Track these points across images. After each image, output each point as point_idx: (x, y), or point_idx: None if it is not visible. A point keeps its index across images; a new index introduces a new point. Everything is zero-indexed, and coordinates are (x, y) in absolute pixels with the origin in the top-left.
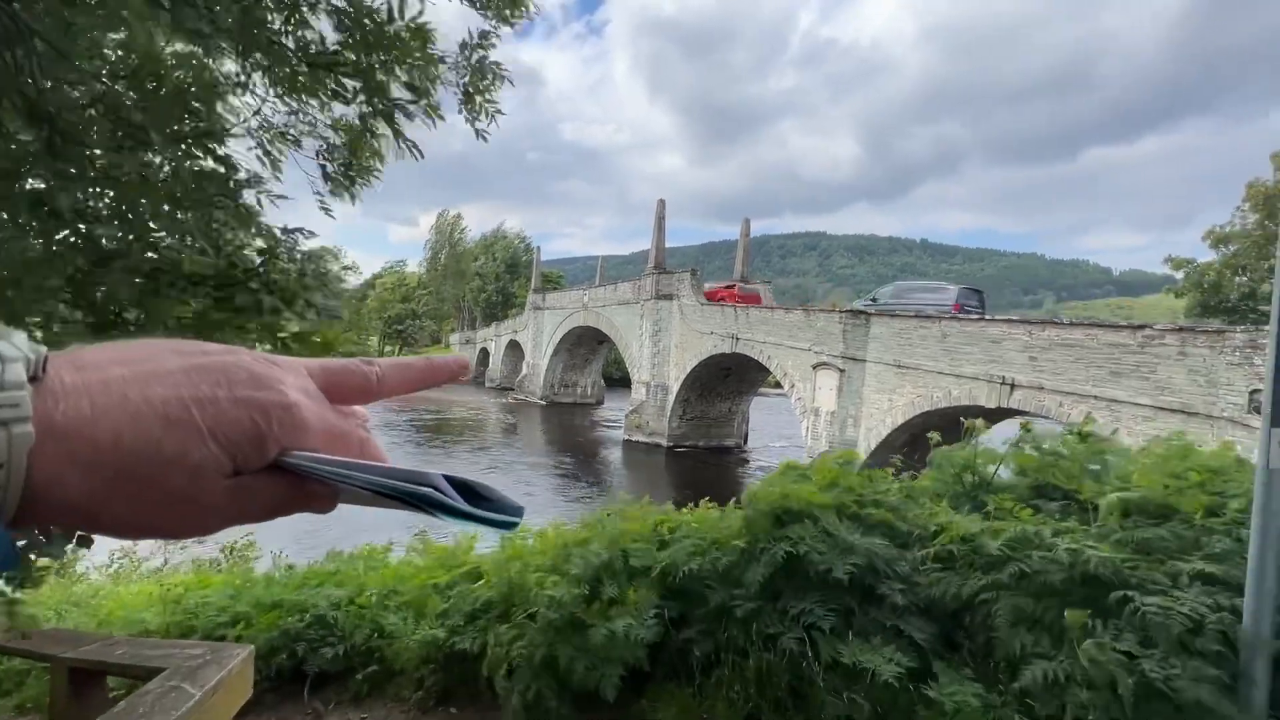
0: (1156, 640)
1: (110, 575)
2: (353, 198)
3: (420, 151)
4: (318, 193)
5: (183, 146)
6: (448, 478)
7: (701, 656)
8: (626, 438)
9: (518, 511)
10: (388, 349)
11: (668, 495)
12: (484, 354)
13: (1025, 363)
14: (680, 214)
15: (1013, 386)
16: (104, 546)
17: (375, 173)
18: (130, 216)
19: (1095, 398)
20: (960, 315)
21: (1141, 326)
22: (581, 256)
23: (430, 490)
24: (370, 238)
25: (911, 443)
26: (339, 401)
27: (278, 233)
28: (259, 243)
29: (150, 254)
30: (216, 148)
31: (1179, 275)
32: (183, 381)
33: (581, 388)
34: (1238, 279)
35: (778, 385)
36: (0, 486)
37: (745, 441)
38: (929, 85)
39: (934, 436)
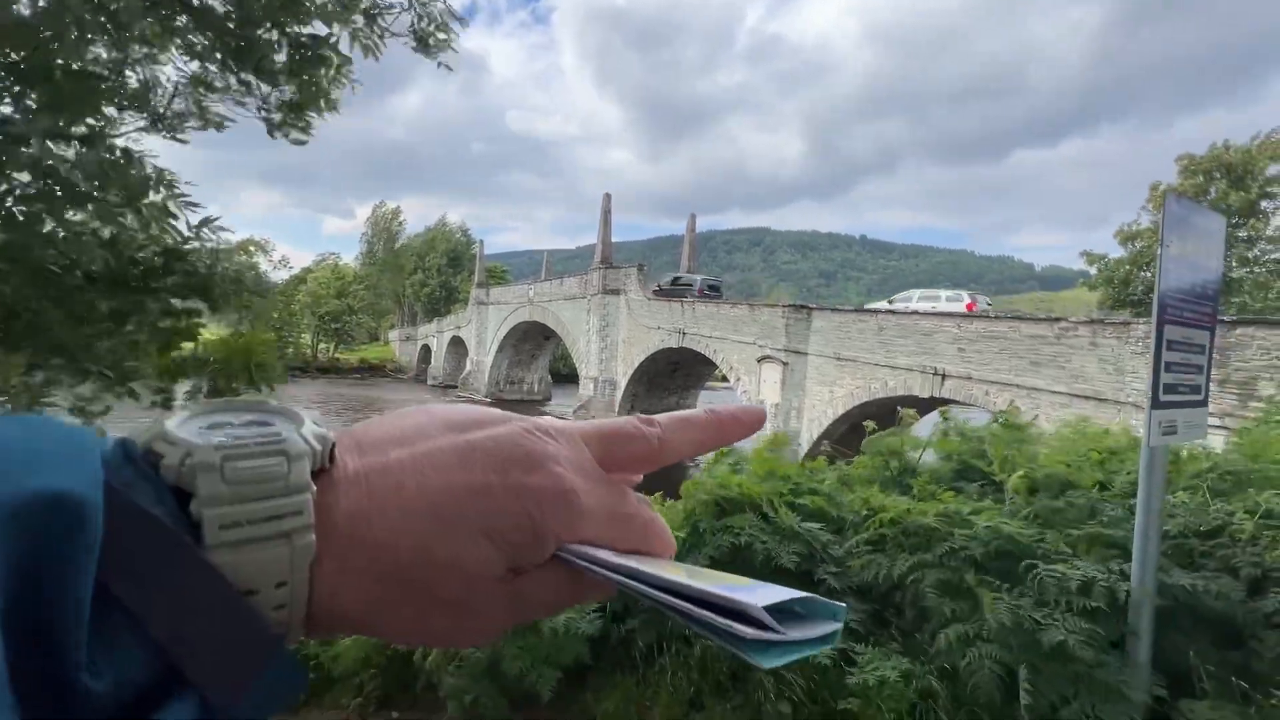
0: (1051, 601)
1: None
2: (305, 128)
3: (380, 48)
4: (274, 130)
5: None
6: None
7: (644, 647)
8: None
9: (839, 613)
10: (322, 345)
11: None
12: (425, 351)
13: (955, 354)
14: (629, 210)
15: (944, 377)
16: None
17: (329, 99)
18: (25, 209)
19: (1018, 386)
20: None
21: (1058, 319)
22: (527, 250)
23: (746, 630)
24: (303, 230)
25: (851, 432)
26: (616, 471)
27: (183, 229)
28: (167, 239)
29: (50, 249)
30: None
31: (1093, 270)
32: (455, 465)
33: (528, 384)
34: (1143, 273)
35: (725, 379)
36: (284, 605)
37: None
38: (872, 85)
39: (870, 425)
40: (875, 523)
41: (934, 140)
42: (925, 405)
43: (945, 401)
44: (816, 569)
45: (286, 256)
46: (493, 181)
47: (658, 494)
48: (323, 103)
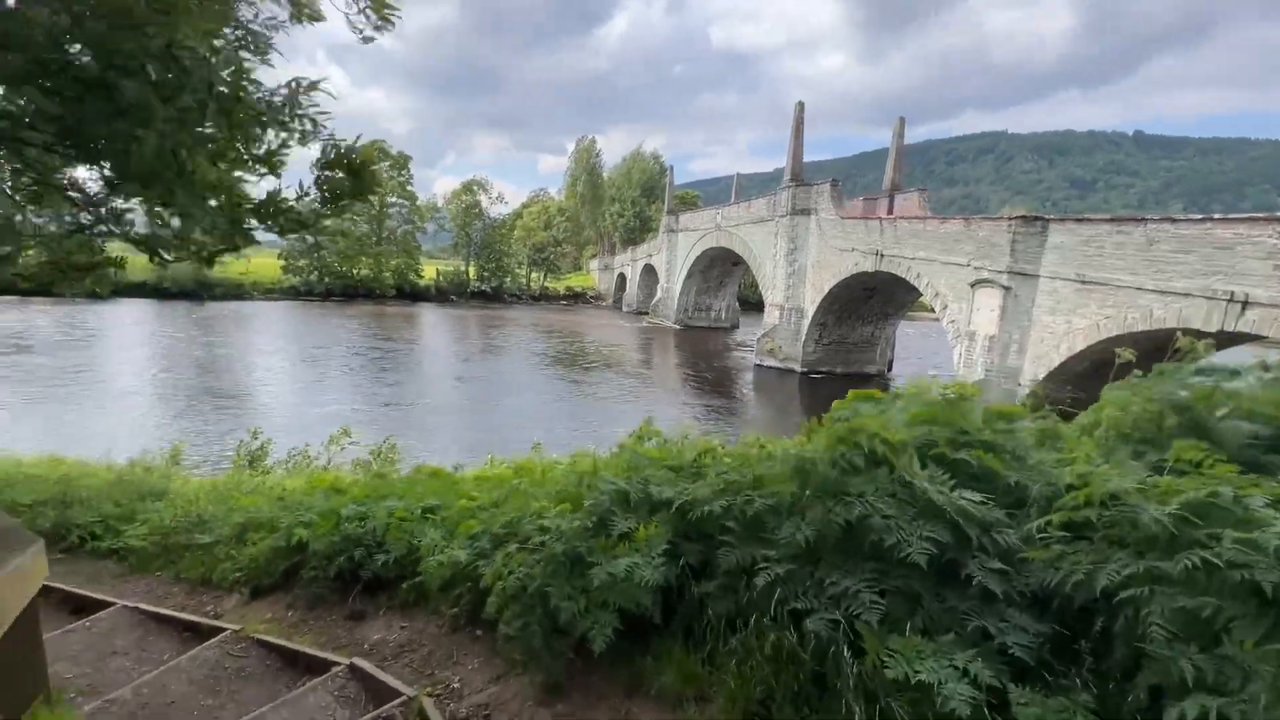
0: None
1: (287, 469)
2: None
3: None
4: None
5: None
6: None
7: (718, 617)
8: (758, 363)
9: None
10: (534, 275)
11: (796, 424)
12: (621, 279)
13: (1269, 273)
14: (837, 122)
15: (1244, 305)
16: (285, 444)
17: None
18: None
19: None
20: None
21: None
22: (726, 176)
23: None
24: (523, 169)
25: (1093, 373)
26: None
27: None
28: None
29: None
30: None
31: None
32: None
33: (715, 311)
34: None
35: (930, 308)
36: None
37: (889, 369)
38: None
39: (1126, 353)
40: (1080, 498)
41: None
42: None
43: (1242, 338)
44: (967, 561)
45: (502, 194)
46: (692, 105)
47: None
48: None
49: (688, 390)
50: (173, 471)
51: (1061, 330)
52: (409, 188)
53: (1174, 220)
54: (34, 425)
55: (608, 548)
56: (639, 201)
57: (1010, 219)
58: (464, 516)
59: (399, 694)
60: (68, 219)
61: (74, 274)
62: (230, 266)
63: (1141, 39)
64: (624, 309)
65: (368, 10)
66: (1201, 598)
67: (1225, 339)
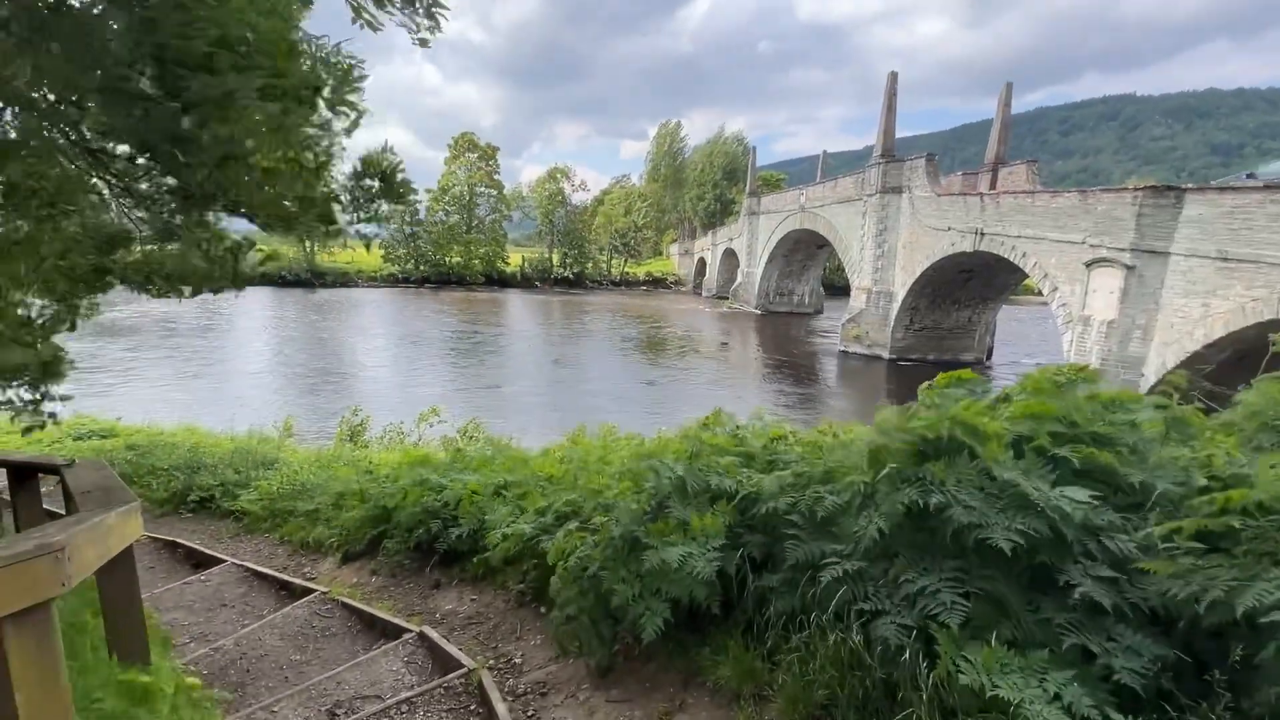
0: None
1: (382, 445)
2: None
3: None
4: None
5: None
6: None
7: (780, 614)
8: (843, 349)
9: None
10: (615, 261)
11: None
12: (701, 264)
13: None
14: (937, 93)
15: None
16: (381, 421)
17: None
18: None
19: None
20: None
21: None
22: (811, 156)
23: None
24: (605, 155)
25: (1236, 363)
26: None
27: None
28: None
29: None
30: None
31: None
32: None
33: (798, 296)
34: None
35: (1038, 291)
36: None
37: (988, 356)
38: None
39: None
40: (1219, 502)
41: None
42: None
43: None
44: (1068, 566)
45: (585, 181)
46: (776, 84)
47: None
48: None
49: (766, 377)
50: (284, 443)
51: (1197, 314)
52: (496, 177)
53: None
54: (175, 398)
55: (664, 532)
56: (720, 184)
57: (1137, 189)
58: (532, 490)
59: (461, 665)
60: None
61: (209, 269)
62: (338, 256)
63: None
64: (703, 294)
65: (417, 16)
66: None
67: None
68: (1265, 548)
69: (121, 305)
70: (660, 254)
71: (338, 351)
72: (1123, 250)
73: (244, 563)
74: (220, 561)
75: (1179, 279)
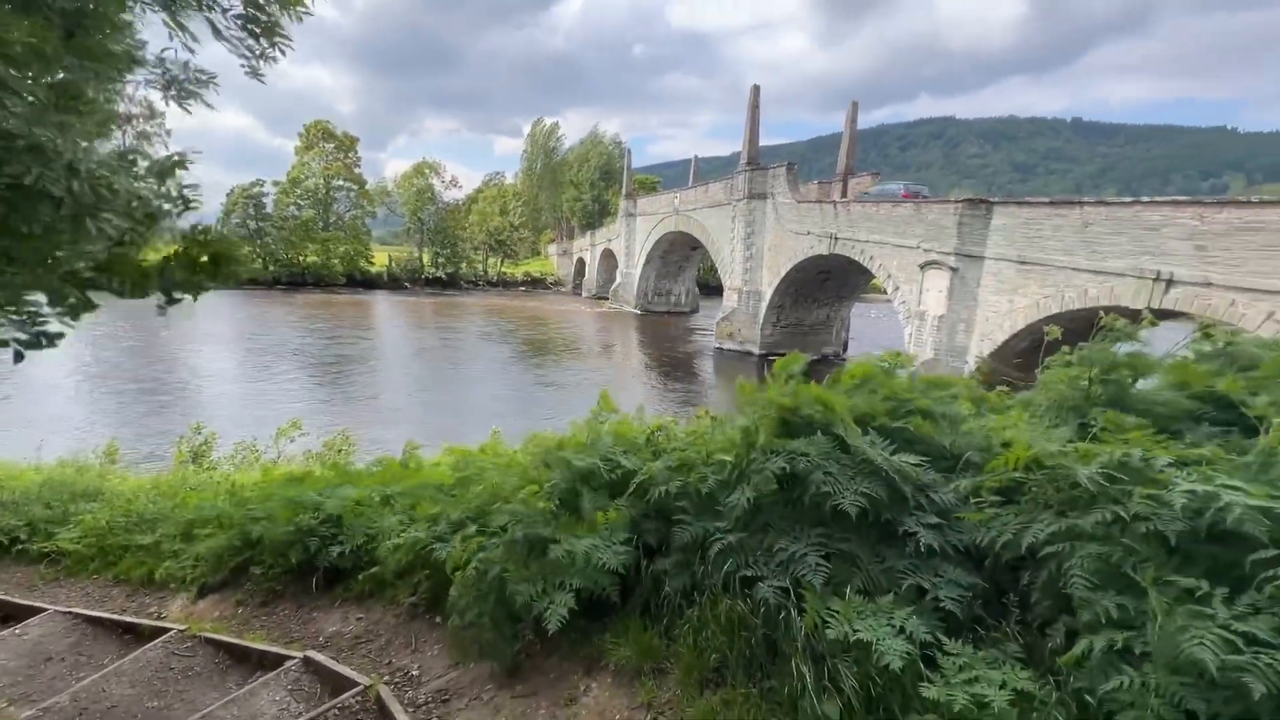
0: None
1: (234, 464)
2: (276, 46)
3: None
4: (243, 60)
5: None
6: None
7: (674, 592)
8: (718, 346)
9: None
10: (491, 261)
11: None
12: (580, 264)
13: (1191, 253)
14: (795, 105)
15: (1169, 283)
16: (230, 439)
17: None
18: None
19: None
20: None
21: None
22: (684, 160)
23: None
24: (476, 152)
25: (1034, 350)
26: None
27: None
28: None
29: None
30: None
31: None
32: None
33: (675, 296)
34: None
35: (883, 290)
36: None
37: (845, 350)
38: None
39: (1052, 331)
40: (1008, 462)
41: None
42: (1135, 319)
43: (1168, 315)
44: (904, 518)
45: (456, 178)
46: (651, 87)
47: (702, 408)
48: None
49: (648, 374)
50: (109, 470)
51: (1004, 309)
52: (356, 170)
53: (1107, 203)
54: None
55: (569, 528)
56: (597, 185)
57: (957, 202)
58: (423, 499)
59: (355, 684)
60: None
61: None
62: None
63: (1083, 26)
64: (583, 294)
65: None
66: (1118, 547)
67: (1160, 316)
68: (1042, 497)
69: None
70: (538, 254)
71: (165, 363)
72: (948, 254)
73: (70, 609)
74: (38, 611)
75: (991, 279)
